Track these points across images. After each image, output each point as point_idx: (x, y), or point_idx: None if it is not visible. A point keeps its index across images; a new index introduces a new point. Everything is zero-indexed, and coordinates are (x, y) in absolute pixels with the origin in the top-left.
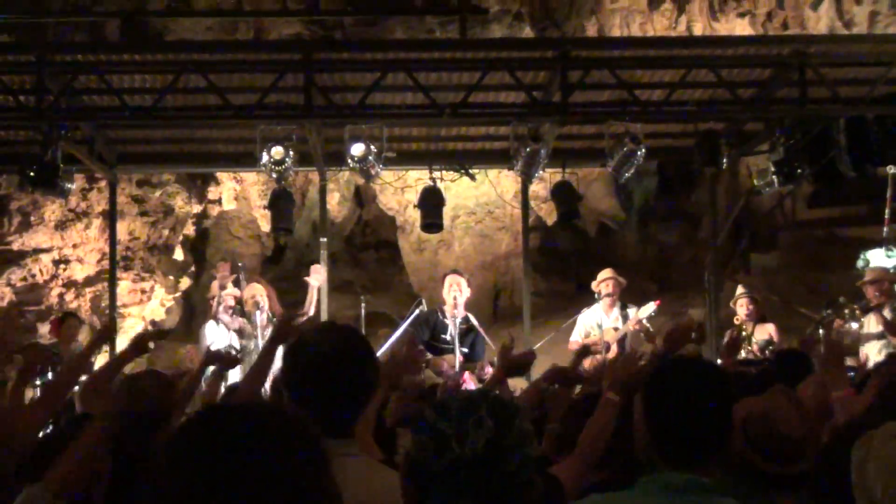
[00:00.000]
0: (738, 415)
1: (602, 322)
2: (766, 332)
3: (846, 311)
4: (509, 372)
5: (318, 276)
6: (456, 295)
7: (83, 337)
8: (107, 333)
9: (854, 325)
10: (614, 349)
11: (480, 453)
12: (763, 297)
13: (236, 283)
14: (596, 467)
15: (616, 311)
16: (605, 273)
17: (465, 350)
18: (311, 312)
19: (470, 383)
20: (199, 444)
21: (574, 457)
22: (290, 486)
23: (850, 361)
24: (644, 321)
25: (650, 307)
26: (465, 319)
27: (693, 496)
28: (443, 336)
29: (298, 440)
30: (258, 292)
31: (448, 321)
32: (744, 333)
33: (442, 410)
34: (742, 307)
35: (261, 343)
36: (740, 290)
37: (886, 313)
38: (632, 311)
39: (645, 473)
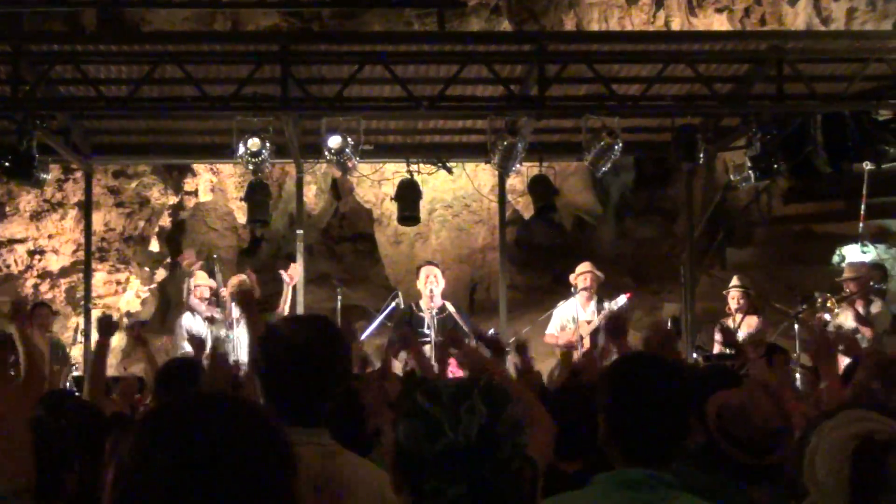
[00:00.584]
0: (713, 407)
1: (578, 316)
2: (752, 325)
3: (821, 303)
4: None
5: (293, 275)
6: (433, 286)
7: (58, 328)
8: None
9: (827, 317)
10: (587, 343)
11: (475, 440)
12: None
13: (211, 275)
14: (570, 458)
15: (593, 305)
16: (584, 267)
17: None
18: (286, 312)
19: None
20: (157, 435)
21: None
22: (250, 474)
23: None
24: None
25: (622, 299)
26: (442, 309)
27: (651, 492)
28: (420, 330)
29: (258, 430)
30: (232, 284)
31: (424, 314)
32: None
33: (433, 396)
34: (733, 299)
35: (234, 332)
36: (734, 281)
37: (860, 308)
38: (608, 305)
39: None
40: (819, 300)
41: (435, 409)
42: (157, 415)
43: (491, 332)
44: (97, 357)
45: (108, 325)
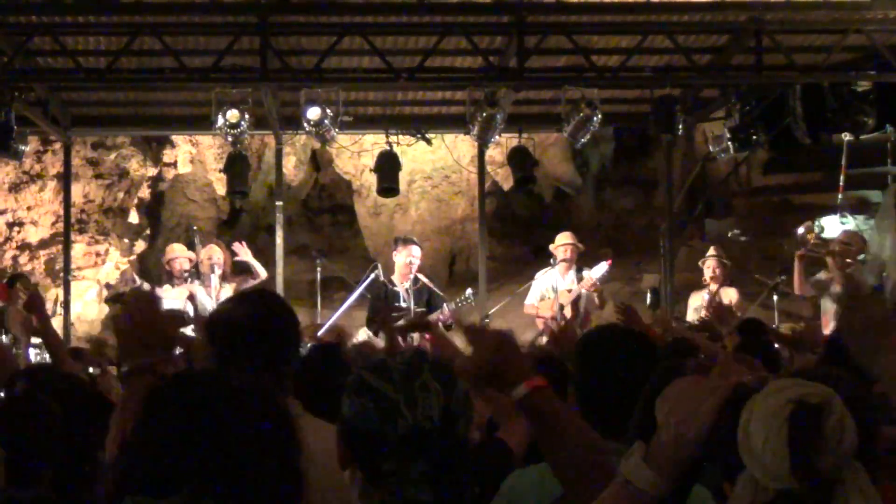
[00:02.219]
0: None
1: (557, 285)
2: (727, 296)
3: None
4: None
5: (245, 252)
6: (413, 263)
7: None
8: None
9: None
10: (569, 311)
11: (437, 421)
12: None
13: (191, 246)
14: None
15: (572, 273)
16: (564, 237)
17: (423, 310)
18: (264, 276)
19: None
20: (170, 410)
21: (520, 420)
22: (259, 445)
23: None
24: (597, 282)
25: (602, 267)
26: (416, 280)
27: None
28: (397, 304)
29: (264, 402)
30: (215, 254)
31: (398, 288)
32: (705, 296)
33: (383, 373)
34: (708, 269)
35: (210, 304)
36: (711, 251)
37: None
38: (587, 273)
39: None
40: (801, 230)
41: (387, 388)
42: (163, 392)
43: (468, 290)
44: (45, 333)
45: (34, 302)
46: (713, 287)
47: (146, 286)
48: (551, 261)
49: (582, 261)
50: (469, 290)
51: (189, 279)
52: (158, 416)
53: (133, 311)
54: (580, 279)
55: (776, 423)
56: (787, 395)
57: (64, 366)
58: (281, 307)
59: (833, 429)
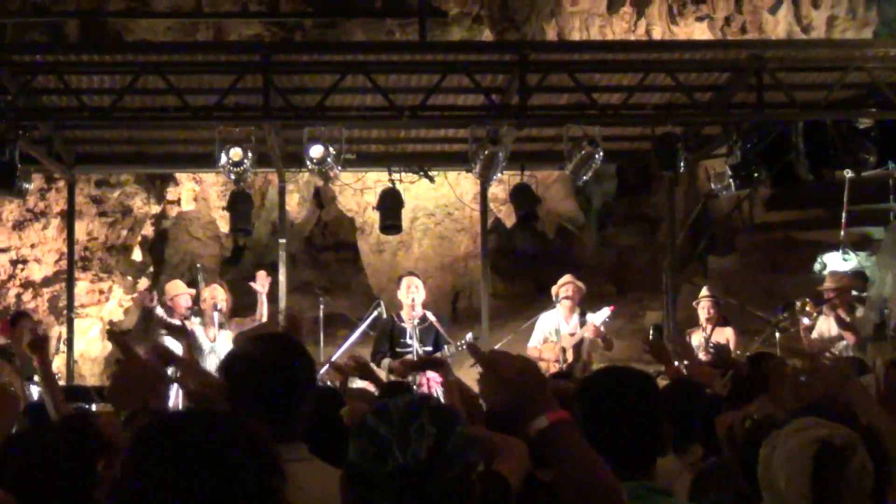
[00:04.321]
0: (723, 425)
1: (560, 328)
2: (723, 335)
3: (799, 308)
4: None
5: (263, 283)
6: (414, 296)
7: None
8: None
9: (806, 321)
10: (571, 355)
11: (424, 461)
12: (724, 300)
13: (194, 284)
14: (546, 466)
15: (575, 317)
16: (565, 278)
17: (429, 349)
18: (264, 318)
19: (436, 382)
20: (156, 452)
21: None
22: (242, 490)
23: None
24: (601, 327)
25: (604, 312)
26: (423, 318)
27: (645, 502)
28: (402, 340)
29: (248, 445)
30: (219, 294)
31: (406, 325)
32: (703, 337)
33: (383, 415)
34: (703, 310)
35: (207, 344)
36: (704, 291)
37: (843, 314)
38: (590, 317)
39: None
40: (798, 305)
41: (385, 429)
42: (151, 430)
43: (469, 334)
44: (43, 375)
45: (37, 343)
46: (708, 328)
47: (159, 311)
48: (554, 299)
49: (585, 302)
50: (470, 334)
51: (189, 317)
52: (141, 461)
53: (120, 359)
54: (583, 323)
55: (800, 463)
56: (812, 434)
57: (60, 408)
58: (297, 350)
59: (855, 471)
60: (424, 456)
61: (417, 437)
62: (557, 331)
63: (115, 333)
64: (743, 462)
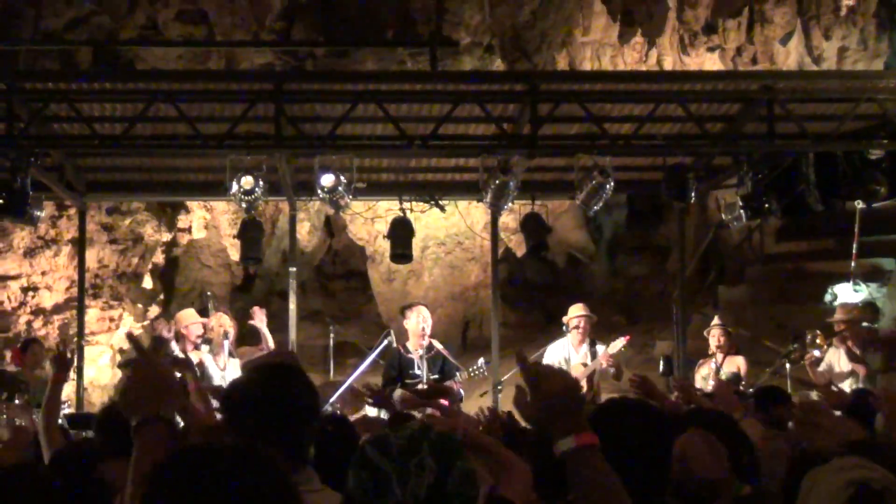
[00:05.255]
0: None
1: (570, 357)
2: (734, 364)
3: (810, 340)
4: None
5: (261, 318)
6: (424, 326)
7: (49, 364)
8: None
9: (817, 353)
10: (583, 386)
11: (423, 500)
12: (735, 330)
13: (204, 312)
14: (553, 497)
15: (585, 347)
16: (577, 309)
17: (436, 377)
18: (271, 346)
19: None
20: (175, 485)
21: (520, 471)
22: None
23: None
24: (613, 357)
25: (619, 343)
26: (430, 348)
27: None
28: (411, 371)
29: (267, 477)
30: (226, 323)
31: (413, 355)
32: (712, 366)
33: (383, 448)
34: (714, 338)
35: (218, 373)
36: (715, 320)
37: (853, 347)
38: (601, 348)
39: None
40: (808, 336)
41: (384, 462)
42: (168, 466)
43: (481, 360)
44: (49, 397)
45: (62, 362)
46: (719, 357)
47: (173, 345)
48: (564, 328)
49: (595, 331)
50: (481, 360)
51: (199, 346)
52: (161, 496)
53: (134, 365)
54: (594, 353)
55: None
56: (851, 476)
57: (52, 444)
58: (301, 380)
59: None
60: (424, 494)
61: (417, 473)
62: (567, 360)
63: (133, 336)
64: (786, 491)
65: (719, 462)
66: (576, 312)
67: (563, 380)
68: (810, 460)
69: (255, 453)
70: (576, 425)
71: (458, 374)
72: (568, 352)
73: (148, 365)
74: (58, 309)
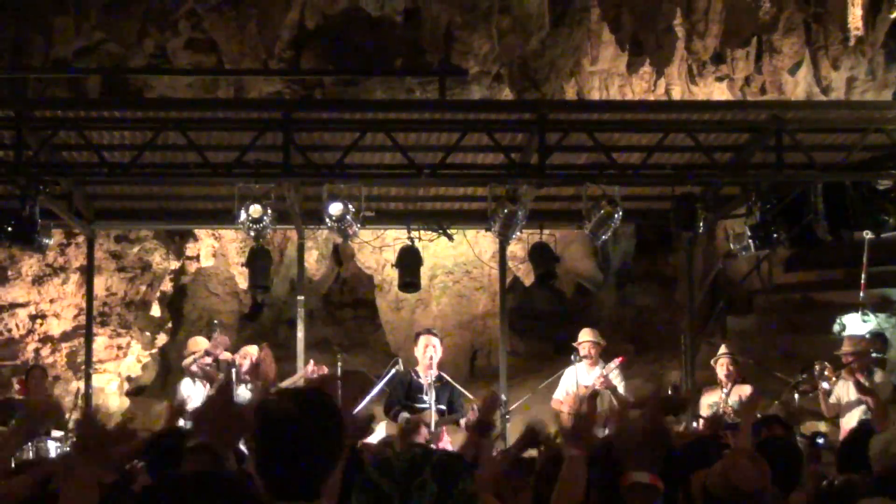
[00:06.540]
0: (697, 482)
1: (581, 380)
2: (743, 393)
3: (819, 372)
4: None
5: (263, 357)
6: (432, 354)
7: (59, 392)
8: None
9: (825, 385)
10: (585, 407)
11: None
12: (743, 359)
13: (208, 339)
14: None
15: (597, 369)
16: (585, 334)
17: (443, 407)
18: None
19: (446, 440)
20: None
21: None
22: None
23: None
24: (609, 378)
25: (613, 363)
26: (439, 377)
27: None
28: (419, 396)
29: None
30: (252, 353)
31: (423, 381)
32: (722, 394)
33: (385, 469)
34: (722, 367)
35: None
36: (723, 349)
37: (861, 378)
38: (601, 369)
39: None
40: (817, 368)
41: (386, 484)
42: (153, 493)
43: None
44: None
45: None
46: (728, 386)
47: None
48: (572, 356)
49: (605, 357)
50: (494, 389)
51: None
52: None
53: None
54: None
55: None
56: None
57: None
58: (329, 409)
59: None
60: None
61: (419, 494)
62: (577, 383)
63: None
64: None
65: (762, 475)
66: (584, 338)
67: (663, 419)
68: (847, 495)
69: (238, 483)
70: (656, 464)
71: (473, 408)
72: (580, 375)
73: (228, 401)
74: (66, 337)
